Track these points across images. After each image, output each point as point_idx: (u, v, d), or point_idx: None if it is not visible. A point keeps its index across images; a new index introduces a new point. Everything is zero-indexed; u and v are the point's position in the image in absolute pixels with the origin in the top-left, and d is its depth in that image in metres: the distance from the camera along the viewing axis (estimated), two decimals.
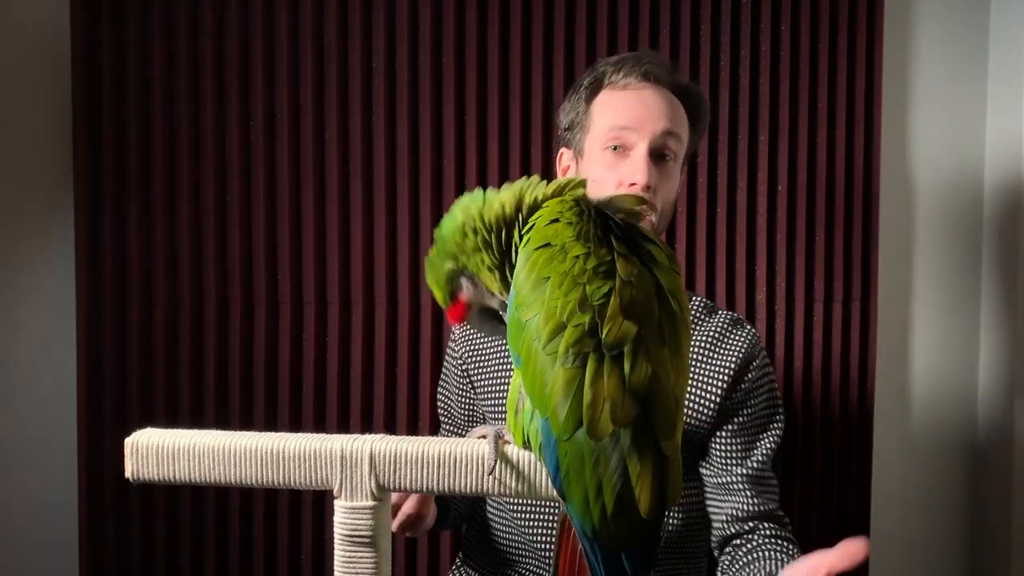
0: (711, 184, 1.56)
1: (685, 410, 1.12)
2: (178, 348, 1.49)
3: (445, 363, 1.32)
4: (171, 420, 1.46)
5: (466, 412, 1.28)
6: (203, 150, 1.48)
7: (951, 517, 1.70)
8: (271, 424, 1.51)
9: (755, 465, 1.13)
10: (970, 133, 1.67)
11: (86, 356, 1.46)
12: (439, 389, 1.34)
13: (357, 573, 0.67)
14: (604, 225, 0.68)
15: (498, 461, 0.67)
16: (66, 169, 1.48)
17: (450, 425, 1.32)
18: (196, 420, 1.48)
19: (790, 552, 1.07)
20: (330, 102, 1.50)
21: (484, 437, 0.70)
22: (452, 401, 1.30)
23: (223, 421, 1.49)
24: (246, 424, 1.50)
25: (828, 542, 1.58)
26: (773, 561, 1.05)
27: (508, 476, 0.68)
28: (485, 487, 0.68)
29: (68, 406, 1.48)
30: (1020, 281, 1.58)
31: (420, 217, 1.52)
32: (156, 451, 0.68)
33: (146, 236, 1.48)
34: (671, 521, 1.15)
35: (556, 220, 0.68)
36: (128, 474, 0.69)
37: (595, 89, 1.15)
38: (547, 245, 0.67)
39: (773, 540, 1.08)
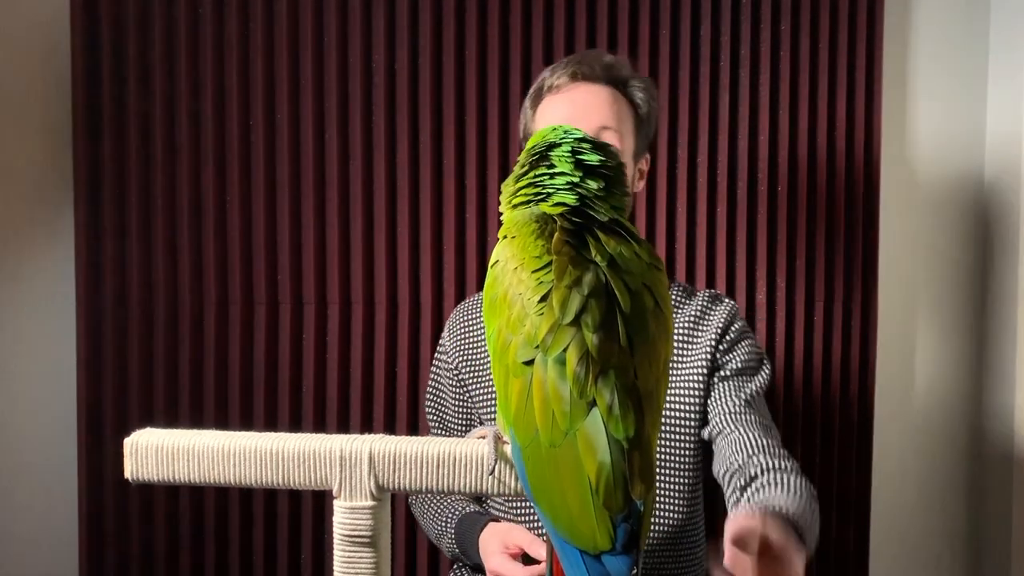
0: (711, 184, 1.56)
1: (677, 390, 1.14)
2: (178, 348, 1.49)
3: (435, 373, 1.33)
4: (171, 420, 1.46)
5: (463, 419, 1.29)
6: (203, 150, 1.48)
7: (952, 517, 1.70)
8: (271, 424, 1.51)
9: (749, 398, 1.12)
10: (970, 133, 1.67)
11: (86, 356, 1.45)
12: (428, 399, 1.34)
13: (357, 573, 0.67)
14: (571, 232, 0.68)
15: (498, 461, 0.67)
16: (66, 169, 1.47)
17: (442, 432, 1.32)
18: (196, 420, 1.48)
19: (797, 486, 0.97)
20: (330, 102, 1.50)
21: (484, 437, 0.70)
22: (448, 410, 1.30)
23: (223, 421, 1.49)
24: (246, 424, 1.50)
25: (828, 542, 1.59)
26: (778, 487, 0.97)
27: (508, 476, 0.68)
28: (485, 487, 0.68)
29: (68, 406, 1.48)
30: (1021, 280, 1.58)
31: (420, 217, 1.52)
32: (156, 451, 0.68)
33: (146, 236, 1.48)
34: (670, 517, 1.15)
35: (511, 237, 0.70)
36: (128, 474, 0.69)
37: (538, 97, 1.19)
38: (496, 263, 0.70)
39: (781, 473, 1.01)
